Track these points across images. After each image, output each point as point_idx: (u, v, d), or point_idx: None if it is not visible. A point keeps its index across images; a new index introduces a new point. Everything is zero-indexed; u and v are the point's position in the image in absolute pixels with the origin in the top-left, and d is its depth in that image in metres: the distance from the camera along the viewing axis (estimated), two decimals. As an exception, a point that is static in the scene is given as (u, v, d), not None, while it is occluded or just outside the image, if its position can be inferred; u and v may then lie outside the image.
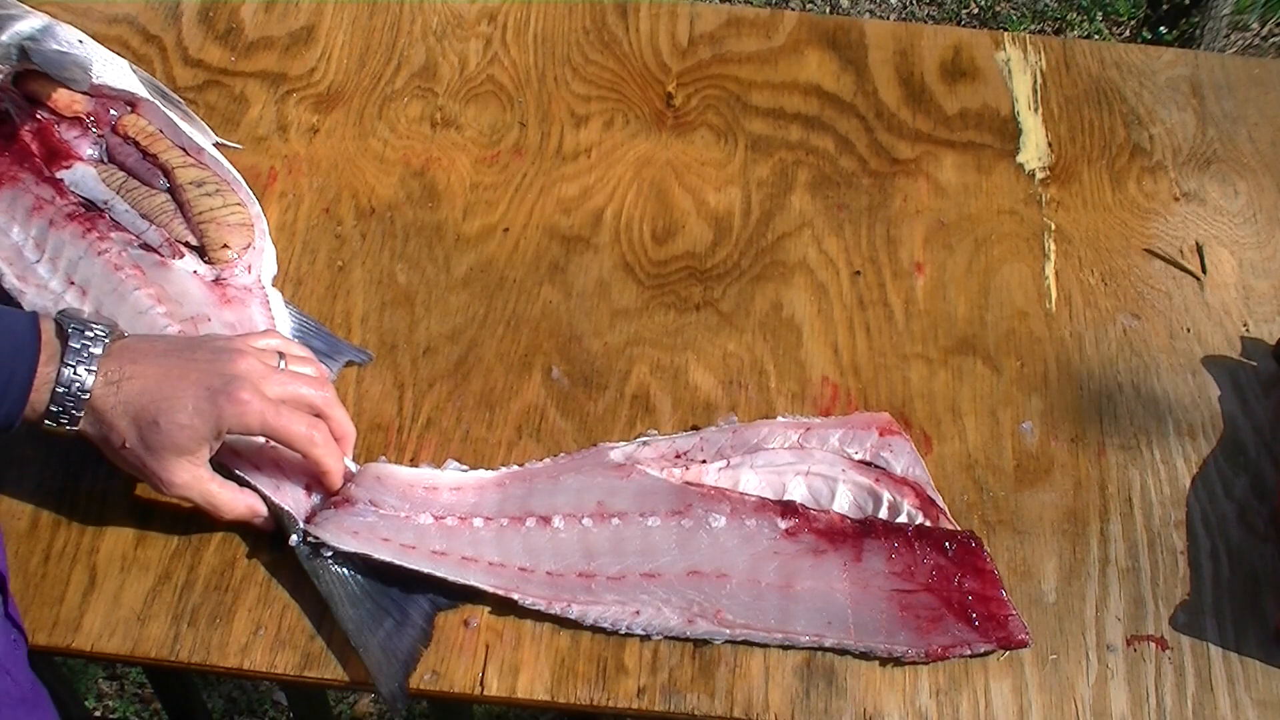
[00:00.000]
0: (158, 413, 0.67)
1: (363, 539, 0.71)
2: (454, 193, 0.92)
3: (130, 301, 0.78)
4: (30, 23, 0.85)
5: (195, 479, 0.69)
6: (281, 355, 0.72)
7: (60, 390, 0.66)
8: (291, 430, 0.69)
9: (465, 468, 0.77)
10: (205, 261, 0.82)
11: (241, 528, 0.74)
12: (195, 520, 0.75)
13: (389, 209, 0.90)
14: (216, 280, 0.81)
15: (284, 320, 0.82)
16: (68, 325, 0.67)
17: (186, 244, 0.82)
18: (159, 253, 0.81)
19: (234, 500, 0.71)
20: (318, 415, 0.72)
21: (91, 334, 0.67)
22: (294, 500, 0.73)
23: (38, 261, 0.80)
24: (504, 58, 1.00)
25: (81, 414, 0.67)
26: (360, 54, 1.00)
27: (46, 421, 0.67)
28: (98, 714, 1.54)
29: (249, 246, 0.83)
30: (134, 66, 0.90)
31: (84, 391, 0.66)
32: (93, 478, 0.76)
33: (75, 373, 0.66)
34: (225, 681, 1.59)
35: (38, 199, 0.82)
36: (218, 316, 0.79)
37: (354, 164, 0.93)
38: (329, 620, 0.71)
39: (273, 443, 0.72)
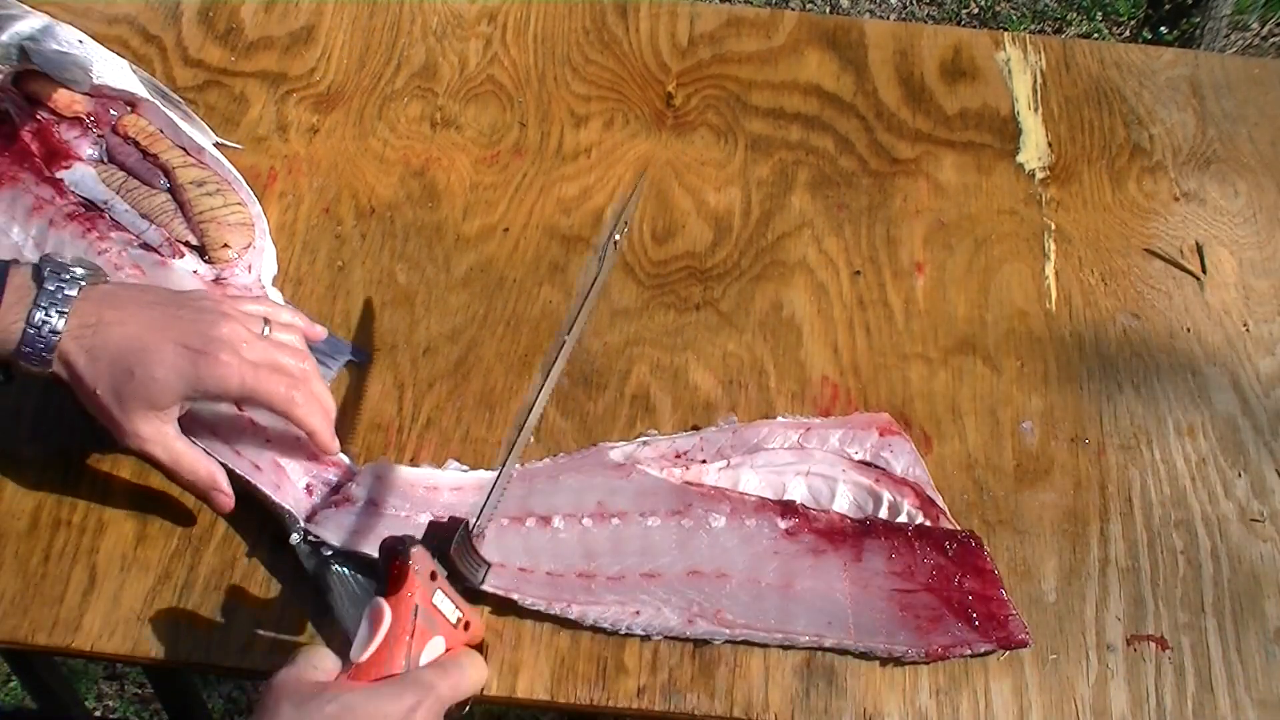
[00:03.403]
0: (134, 364, 0.66)
1: (363, 538, 0.71)
2: (454, 193, 0.92)
3: (130, 301, 0.78)
4: (30, 23, 0.85)
5: (160, 433, 0.68)
6: (267, 322, 0.71)
7: (30, 331, 0.66)
8: (271, 391, 0.68)
9: (466, 468, 0.77)
10: (205, 261, 0.82)
11: (241, 527, 0.74)
12: (195, 520, 0.75)
13: (389, 209, 0.90)
14: (216, 280, 0.81)
15: None
16: (45, 268, 0.67)
17: (187, 244, 0.82)
18: (159, 252, 0.81)
19: (196, 462, 0.70)
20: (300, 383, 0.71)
21: (68, 276, 0.67)
22: (294, 499, 0.73)
23: (38, 261, 0.80)
24: (504, 58, 1.00)
25: (52, 356, 0.66)
26: (360, 54, 1.00)
27: (20, 361, 0.66)
28: (98, 714, 1.54)
29: (249, 246, 0.83)
30: (134, 66, 0.90)
31: (54, 334, 0.66)
32: (92, 478, 0.76)
33: (46, 315, 0.66)
34: (225, 681, 1.59)
35: (38, 199, 0.82)
36: (218, 316, 0.79)
37: (354, 164, 0.93)
38: (329, 620, 0.71)
39: (269, 439, 0.73)
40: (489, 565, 0.65)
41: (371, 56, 1.00)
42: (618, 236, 0.73)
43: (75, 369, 0.67)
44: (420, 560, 0.61)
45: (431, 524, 0.64)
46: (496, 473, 0.69)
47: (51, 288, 0.66)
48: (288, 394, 0.68)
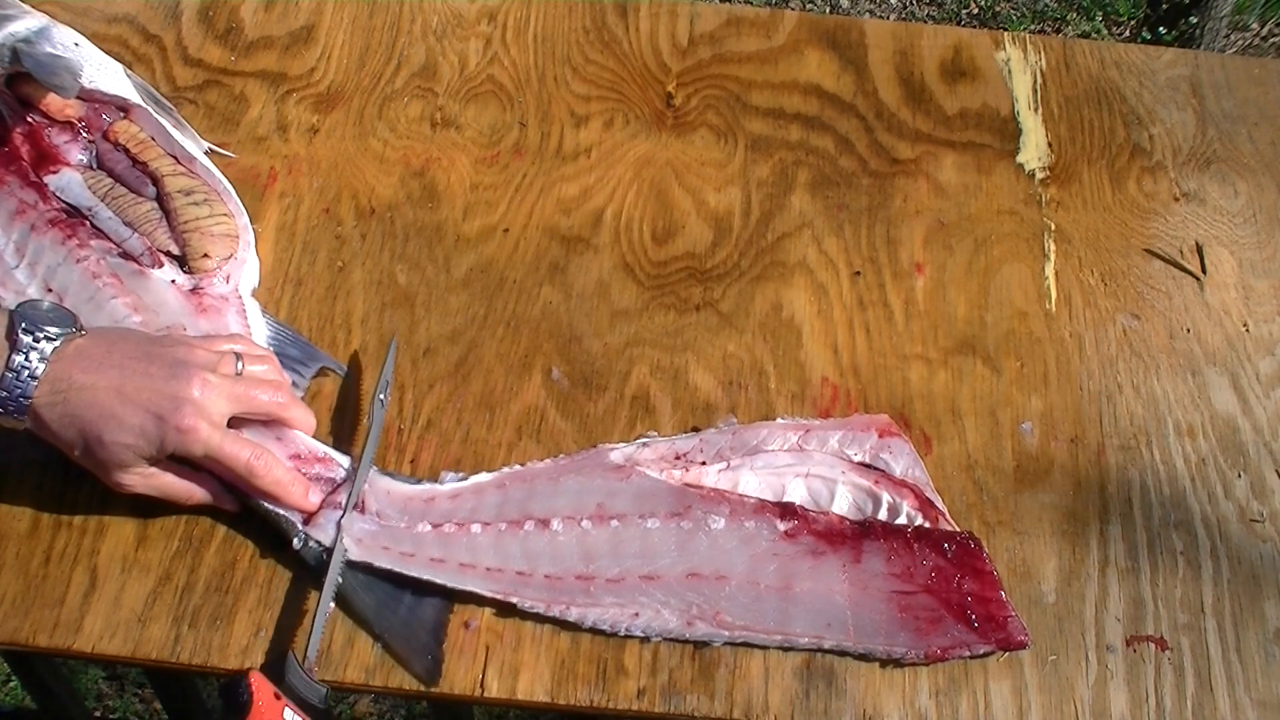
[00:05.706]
0: (103, 431, 0.68)
1: (364, 546, 0.72)
2: (454, 193, 0.92)
3: (107, 310, 0.78)
4: (27, 23, 0.84)
5: (142, 476, 0.71)
6: (240, 357, 0.73)
7: (2, 394, 0.67)
8: (234, 461, 0.70)
9: (462, 475, 0.76)
10: (185, 271, 0.81)
11: (242, 529, 0.74)
12: (196, 522, 0.75)
13: (389, 209, 0.90)
14: (194, 290, 0.81)
15: (260, 329, 0.81)
16: (19, 325, 0.68)
17: (168, 253, 0.81)
18: (138, 261, 0.80)
19: (186, 489, 0.72)
20: (277, 416, 0.74)
21: (41, 336, 0.68)
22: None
23: (16, 267, 0.79)
24: (504, 57, 1.00)
25: (25, 417, 0.68)
26: (360, 54, 1.00)
27: None
28: (98, 714, 1.54)
29: (230, 257, 0.82)
30: (129, 71, 0.89)
31: (25, 398, 0.67)
32: (93, 479, 0.76)
33: (19, 379, 0.67)
34: (225, 681, 1.59)
35: (21, 203, 0.81)
36: (193, 325, 0.78)
37: (354, 164, 0.93)
38: (330, 621, 0.71)
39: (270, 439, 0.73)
40: (327, 686, 0.68)
41: (371, 56, 1.00)
42: (383, 396, 0.77)
43: (49, 429, 0.69)
44: (260, 683, 0.65)
45: (264, 665, 0.68)
46: (320, 601, 0.70)
47: (23, 351, 0.67)
48: (247, 465, 0.70)
